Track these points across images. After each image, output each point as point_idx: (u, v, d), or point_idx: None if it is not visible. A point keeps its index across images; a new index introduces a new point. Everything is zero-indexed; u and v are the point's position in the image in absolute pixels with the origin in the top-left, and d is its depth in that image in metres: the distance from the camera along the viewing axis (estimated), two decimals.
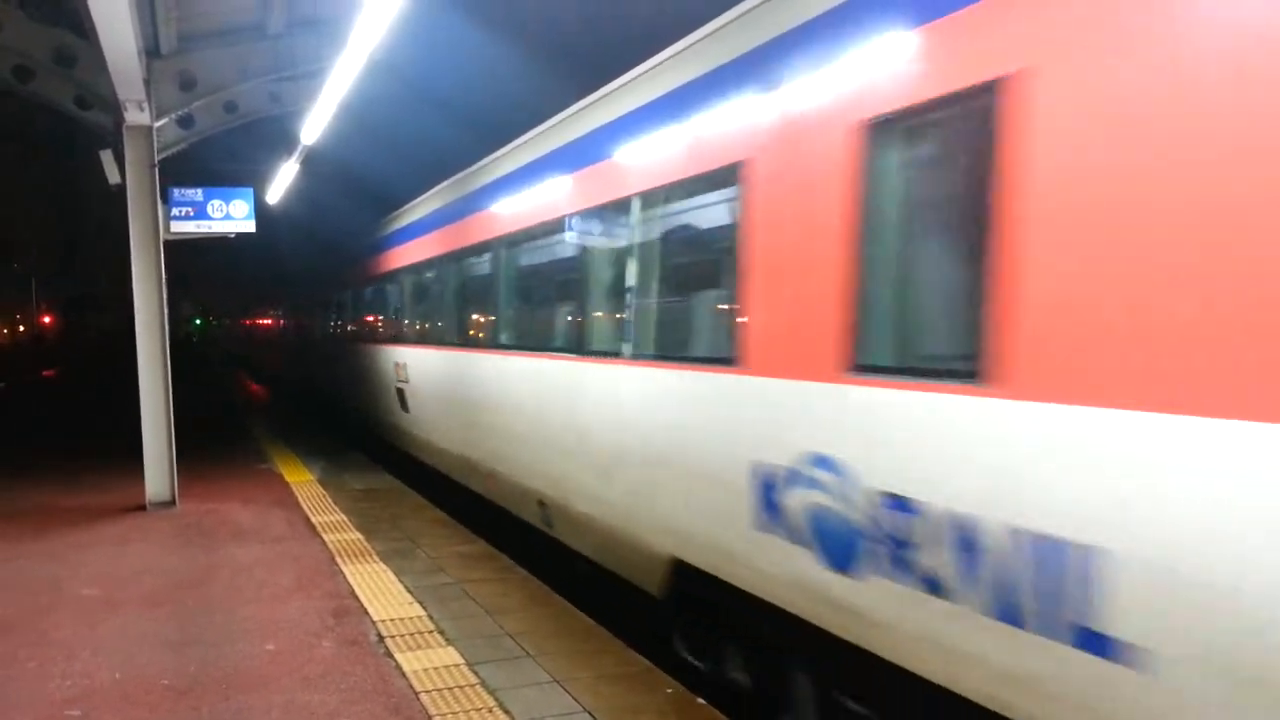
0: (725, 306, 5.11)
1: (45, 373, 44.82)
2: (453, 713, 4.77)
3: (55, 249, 58.51)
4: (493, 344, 8.99)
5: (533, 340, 8.50)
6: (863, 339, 3.95)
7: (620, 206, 6.16)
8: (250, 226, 10.80)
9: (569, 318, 7.43)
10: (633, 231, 6.05)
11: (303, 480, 12.05)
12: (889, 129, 3.87)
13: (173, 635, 6.07)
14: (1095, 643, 2.90)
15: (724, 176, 4.99)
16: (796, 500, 4.30)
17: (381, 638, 5.92)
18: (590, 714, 4.75)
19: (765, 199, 4.60)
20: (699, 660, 5.64)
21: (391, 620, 6.25)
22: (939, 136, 3.85)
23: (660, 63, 5.83)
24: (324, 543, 8.51)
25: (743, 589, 4.85)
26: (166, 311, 10.20)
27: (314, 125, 11.51)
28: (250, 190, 10.88)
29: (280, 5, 10.78)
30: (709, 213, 5.46)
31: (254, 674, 5.37)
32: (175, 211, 10.45)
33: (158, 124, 10.23)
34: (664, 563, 5.66)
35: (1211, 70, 2.64)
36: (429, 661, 5.49)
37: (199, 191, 10.56)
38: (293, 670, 5.41)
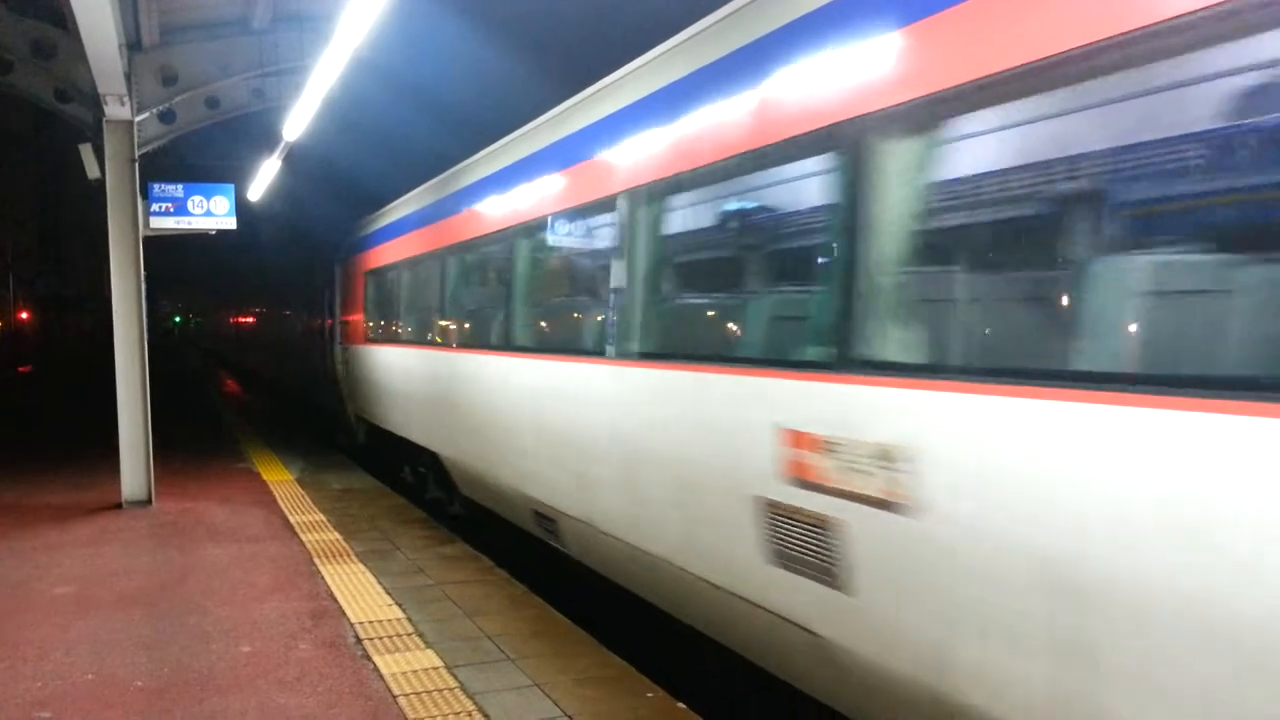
0: None
1: (21, 369, 44.38)
2: (431, 716, 4.71)
3: (34, 246, 57.93)
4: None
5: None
6: None
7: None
8: (231, 223, 10.71)
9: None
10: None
11: (281, 479, 11.94)
12: None
13: (147, 636, 5.98)
14: None
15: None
16: None
17: (360, 640, 5.85)
18: (570, 718, 4.70)
19: None
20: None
21: (370, 622, 6.18)
22: None
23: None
24: (302, 543, 8.42)
25: None
26: (145, 308, 10.08)
27: (297, 121, 11.42)
28: (231, 187, 10.79)
29: (264, 0, 10.70)
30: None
31: (229, 676, 5.29)
32: (155, 207, 10.34)
33: (138, 119, 10.12)
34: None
35: None
36: (408, 664, 5.43)
37: (179, 187, 10.45)
38: (269, 672, 5.34)
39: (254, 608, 6.54)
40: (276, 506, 10.15)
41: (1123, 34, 2.78)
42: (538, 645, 5.76)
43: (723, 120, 4.75)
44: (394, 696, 4.95)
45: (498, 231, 8.01)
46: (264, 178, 16.69)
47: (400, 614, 6.37)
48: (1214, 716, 2.58)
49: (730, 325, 5.52)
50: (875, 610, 3.76)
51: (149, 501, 10.14)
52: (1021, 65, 3.07)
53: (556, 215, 6.89)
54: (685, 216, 5.53)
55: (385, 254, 12.17)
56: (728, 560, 4.78)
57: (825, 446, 3.93)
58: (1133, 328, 3.10)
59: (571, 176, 6.58)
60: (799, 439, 4.11)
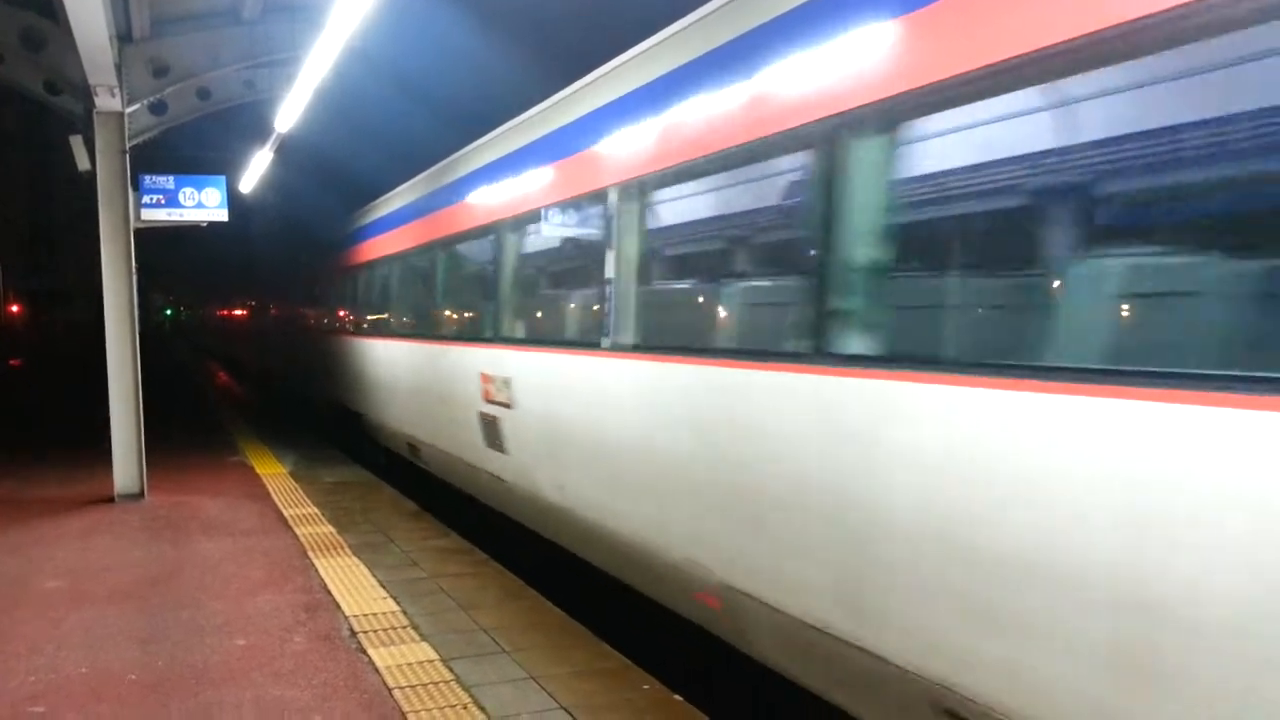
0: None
1: (12, 362, 44.15)
2: (427, 709, 4.70)
3: (24, 239, 57.60)
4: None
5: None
6: None
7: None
8: (222, 215, 10.66)
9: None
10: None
11: (274, 472, 11.90)
12: None
13: (140, 630, 5.96)
14: None
15: None
16: None
17: (354, 633, 5.84)
18: (566, 711, 4.70)
19: None
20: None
21: (364, 615, 6.17)
22: None
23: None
24: (295, 536, 8.40)
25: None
26: (136, 300, 10.03)
27: (289, 112, 11.36)
28: (223, 178, 10.73)
29: None
30: None
31: (224, 669, 5.28)
32: (146, 199, 10.29)
33: (129, 110, 10.05)
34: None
35: None
36: (402, 657, 5.42)
37: (170, 179, 10.41)
38: (263, 665, 5.32)
39: (248, 601, 6.52)
40: (269, 499, 10.12)
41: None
42: (533, 638, 5.75)
43: None
44: (389, 689, 4.95)
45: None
46: (256, 169, 16.63)
47: (395, 607, 6.36)
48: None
49: (453, 316, 10.01)
50: (515, 460, 7.63)
51: (141, 495, 10.10)
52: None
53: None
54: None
55: (336, 256, 15.86)
56: (470, 446, 8.69)
57: (490, 380, 7.97)
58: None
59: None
60: (485, 378, 8.11)
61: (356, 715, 4.66)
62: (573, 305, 7.32)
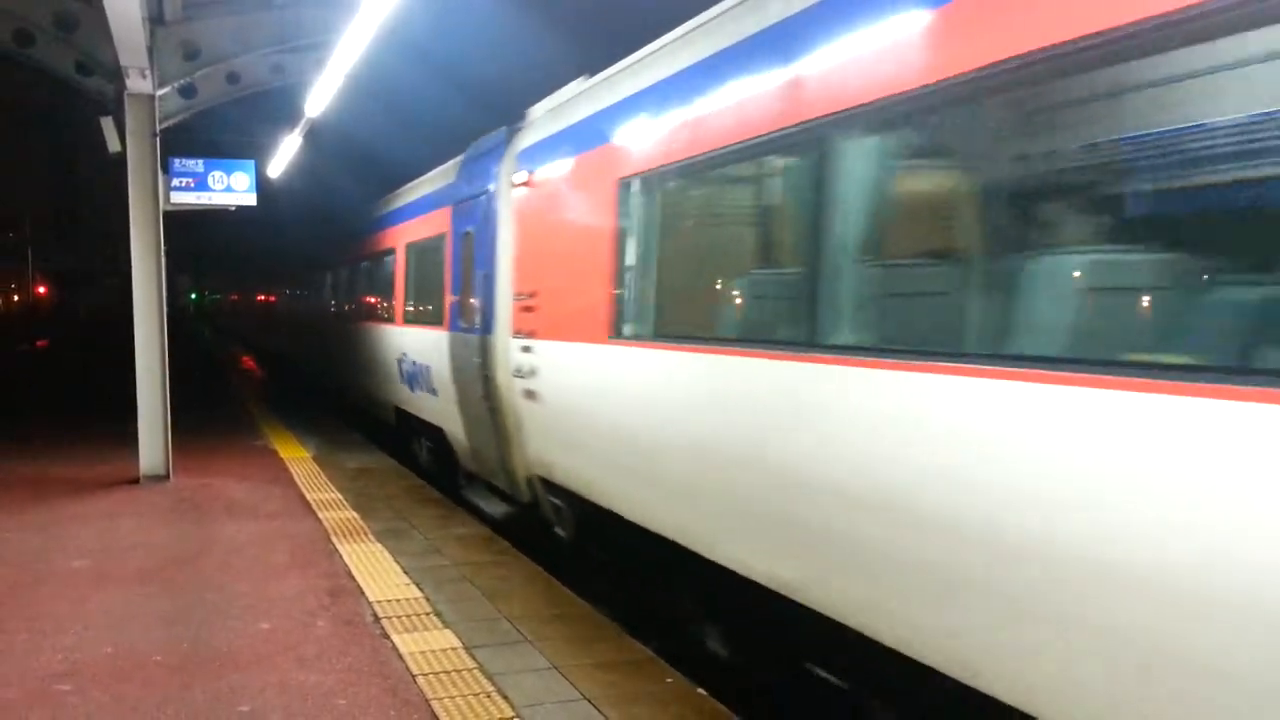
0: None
1: (39, 343, 44.63)
2: (450, 697, 4.69)
3: (51, 220, 58.21)
4: None
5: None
6: None
7: None
8: (251, 199, 10.68)
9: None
10: None
11: (298, 457, 11.95)
12: None
13: (165, 611, 5.98)
14: None
15: None
16: None
17: (378, 618, 5.83)
18: (590, 702, 4.67)
19: None
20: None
21: (388, 601, 6.17)
22: None
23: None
24: (319, 521, 8.42)
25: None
26: (165, 283, 10.08)
27: (319, 97, 11.37)
28: (252, 163, 10.76)
29: None
30: None
31: (248, 652, 5.28)
32: (175, 182, 10.33)
33: (160, 93, 10.09)
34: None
35: None
36: (426, 644, 5.41)
37: (200, 163, 10.44)
38: (288, 649, 5.33)
39: (272, 584, 6.53)
40: (293, 484, 10.16)
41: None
42: (556, 628, 5.73)
43: None
44: (413, 676, 4.93)
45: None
46: (284, 154, 16.68)
47: (418, 593, 6.35)
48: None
49: (379, 304, 13.37)
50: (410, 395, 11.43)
51: (167, 477, 10.16)
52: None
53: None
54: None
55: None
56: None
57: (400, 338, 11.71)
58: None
59: None
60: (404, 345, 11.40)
61: (380, 701, 4.65)
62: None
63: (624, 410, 5.79)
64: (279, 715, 4.49)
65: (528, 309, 7.36)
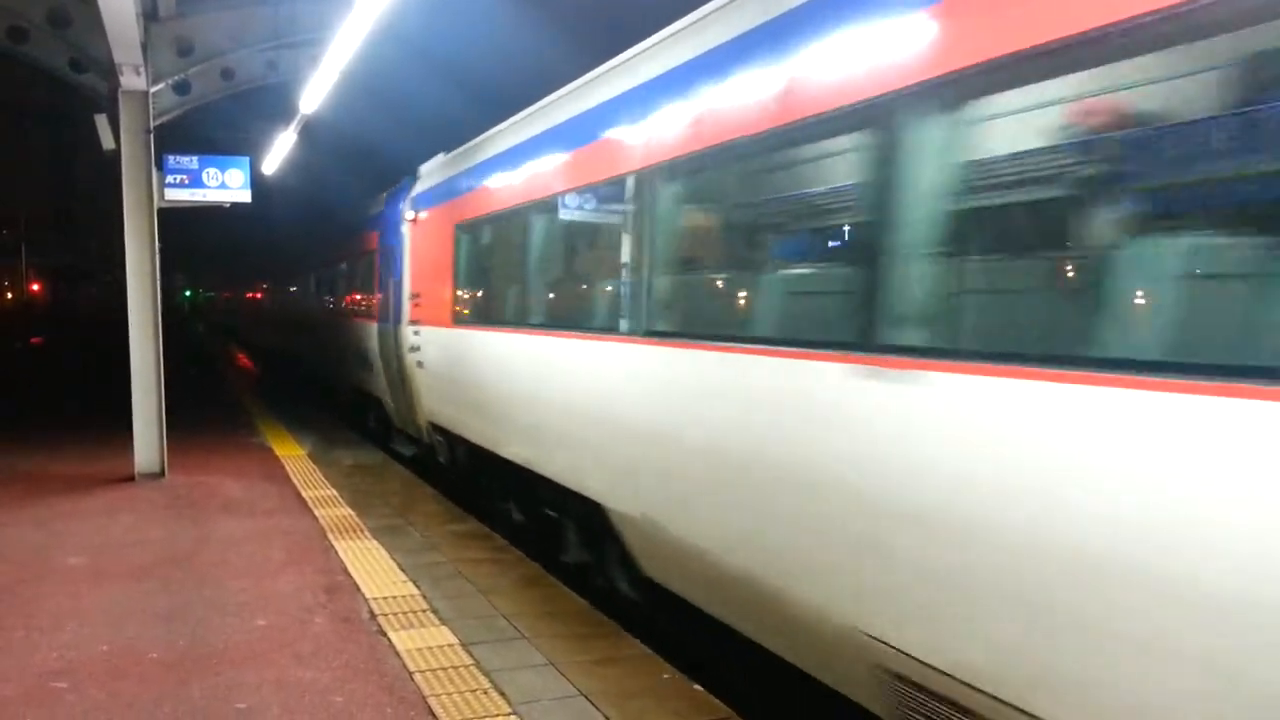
0: None
1: (34, 340, 44.50)
2: (447, 693, 4.69)
3: (51, 219, 58.04)
4: None
5: None
6: None
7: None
8: (246, 196, 10.65)
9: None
10: None
11: (293, 454, 11.94)
12: None
13: (161, 608, 5.97)
14: None
15: None
16: None
17: (375, 615, 5.84)
18: (587, 698, 4.68)
19: None
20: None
21: (384, 598, 6.17)
22: None
23: None
24: (315, 517, 8.42)
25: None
26: (159, 280, 10.05)
27: (314, 93, 11.34)
28: (246, 160, 10.72)
29: None
30: None
31: (245, 649, 5.28)
32: (170, 179, 10.28)
33: (154, 89, 10.05)
34: None
35: None
36: (423, 641, 5.41)
37: (194, 159, 10.38)
38: (284, 646, 5.33)
39: (268, 581, 6.53)
40: (289, 481, 10.15)
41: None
42: (553, 625, 5.74)
43: None
44: (410, 673, 4.94)
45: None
46: (279, 151, 16.64)
47: (414, 590, 6.36)
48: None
49: (336, 303, 16.56)
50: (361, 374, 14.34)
51: (162, 474, 10.15)
52: None
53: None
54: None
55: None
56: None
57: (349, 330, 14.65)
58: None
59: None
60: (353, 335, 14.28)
61: (377, 698, 4.65)
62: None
63: (463, 372, 9.03)
64: (276, 712, 4.49)
65: (416, 305, 10.71)
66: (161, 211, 10.20)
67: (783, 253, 4.92)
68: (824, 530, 3.84)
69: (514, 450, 7.76)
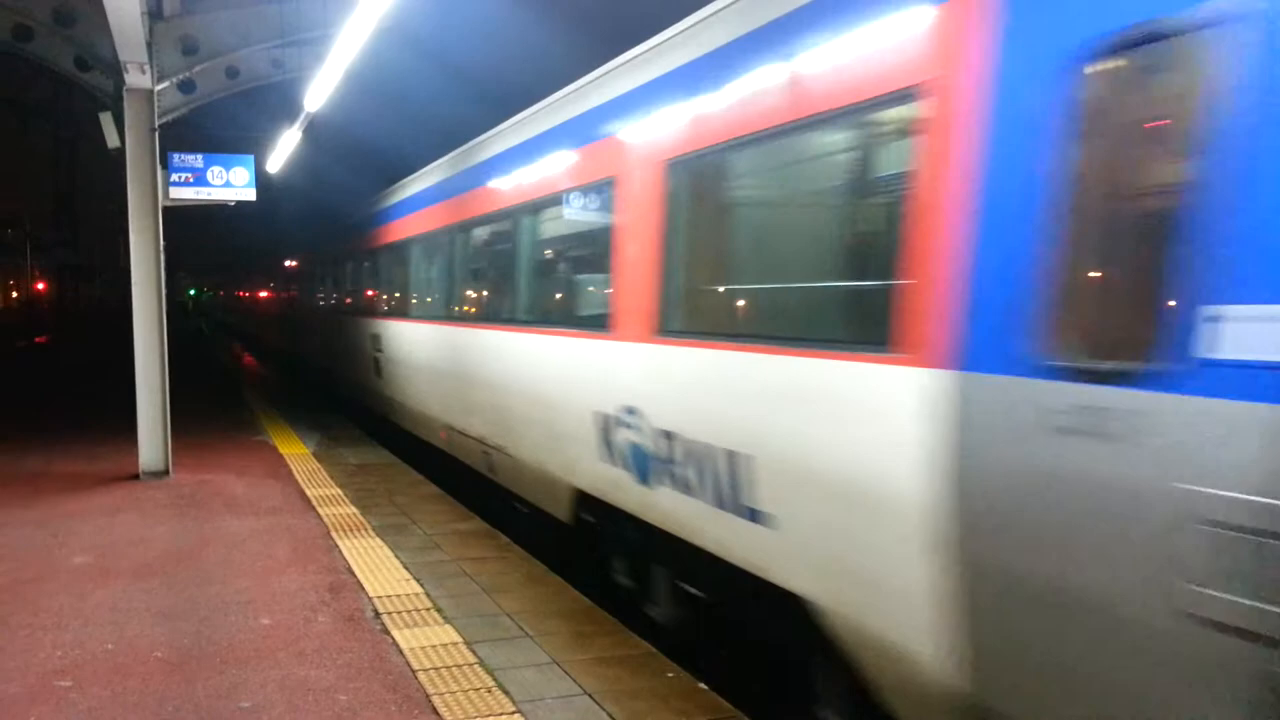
0: None
1: (38, 339, 44.62)
2: (451, 692, 4.69)
3: (51, 217, 58.12)
4: None
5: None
6: None
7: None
8: (251, 194, 10.65)
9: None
10: None
11: (297, 453, 11.94)
12: None
13: (165, 607, 5.98)
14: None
15: None
16: None
17: (378, 614, 5.83)
18: (591, 697, 4.67)
19: None
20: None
21: (388, 597, 6.17)
22: None
23: None
24: (319, 516, 8.42)
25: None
26: (164, 278, 10.06)
27: (319, 91, 11.34)
28: (251, 158, 10.72)
29: None
30: None
31: (249, 648, 5.28)
32: (175, 177, 10.29)
33: (159, 88, 10.06)
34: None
35: None
36: (426, 639, 5.41)
37: (199, 158, 10.39)
38: (288, 645, 5.33)
39: (272, 580, 6.53)
40: (293, 480, 10.15)
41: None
42: (556, 624, 5.73)
43: None
44: (414, 671, 4.93)
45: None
46: (284, 149, 16.64)
47: (418, 589, 6.35)
48: None
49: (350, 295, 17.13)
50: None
51: (166, 473, 10.15)
52: None
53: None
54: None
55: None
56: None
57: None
58: None
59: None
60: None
61: (381, 696, 4.65)
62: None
63: (400, 354, 12.04)
64: (280, 711, 4.49)
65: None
66: (166, 209, 10.20)
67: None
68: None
69: (439, 413, 10.58)
